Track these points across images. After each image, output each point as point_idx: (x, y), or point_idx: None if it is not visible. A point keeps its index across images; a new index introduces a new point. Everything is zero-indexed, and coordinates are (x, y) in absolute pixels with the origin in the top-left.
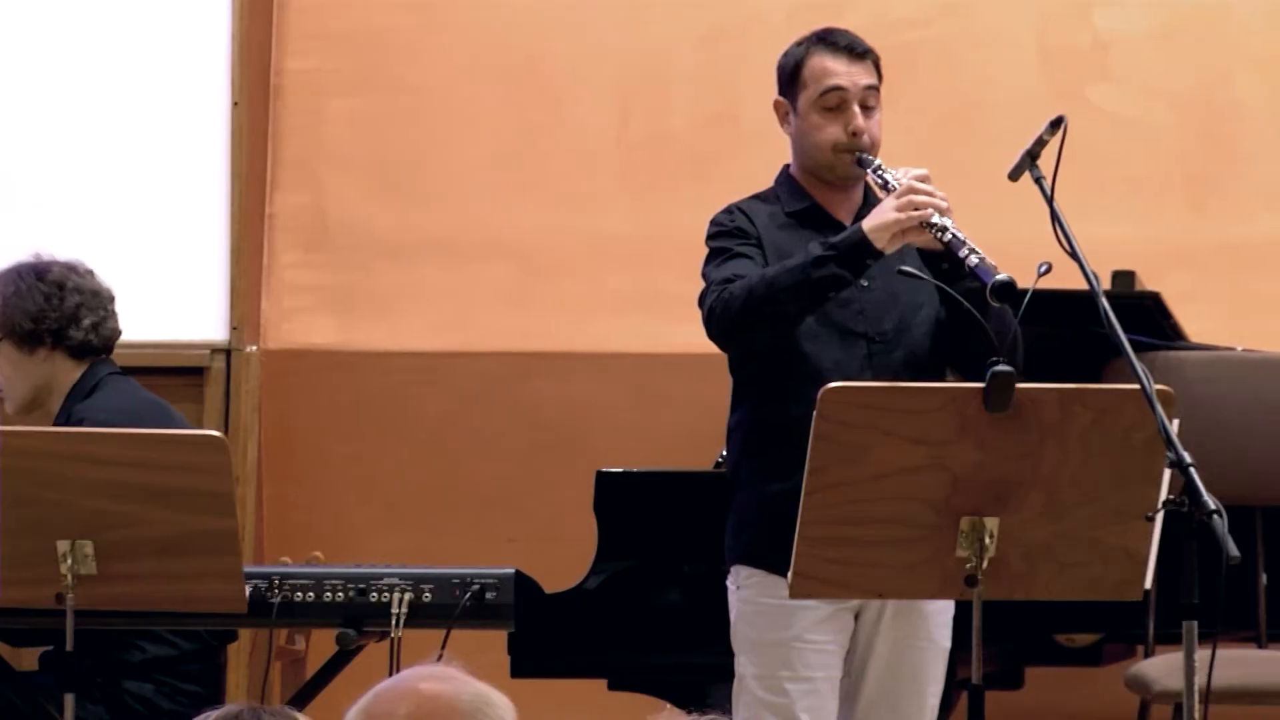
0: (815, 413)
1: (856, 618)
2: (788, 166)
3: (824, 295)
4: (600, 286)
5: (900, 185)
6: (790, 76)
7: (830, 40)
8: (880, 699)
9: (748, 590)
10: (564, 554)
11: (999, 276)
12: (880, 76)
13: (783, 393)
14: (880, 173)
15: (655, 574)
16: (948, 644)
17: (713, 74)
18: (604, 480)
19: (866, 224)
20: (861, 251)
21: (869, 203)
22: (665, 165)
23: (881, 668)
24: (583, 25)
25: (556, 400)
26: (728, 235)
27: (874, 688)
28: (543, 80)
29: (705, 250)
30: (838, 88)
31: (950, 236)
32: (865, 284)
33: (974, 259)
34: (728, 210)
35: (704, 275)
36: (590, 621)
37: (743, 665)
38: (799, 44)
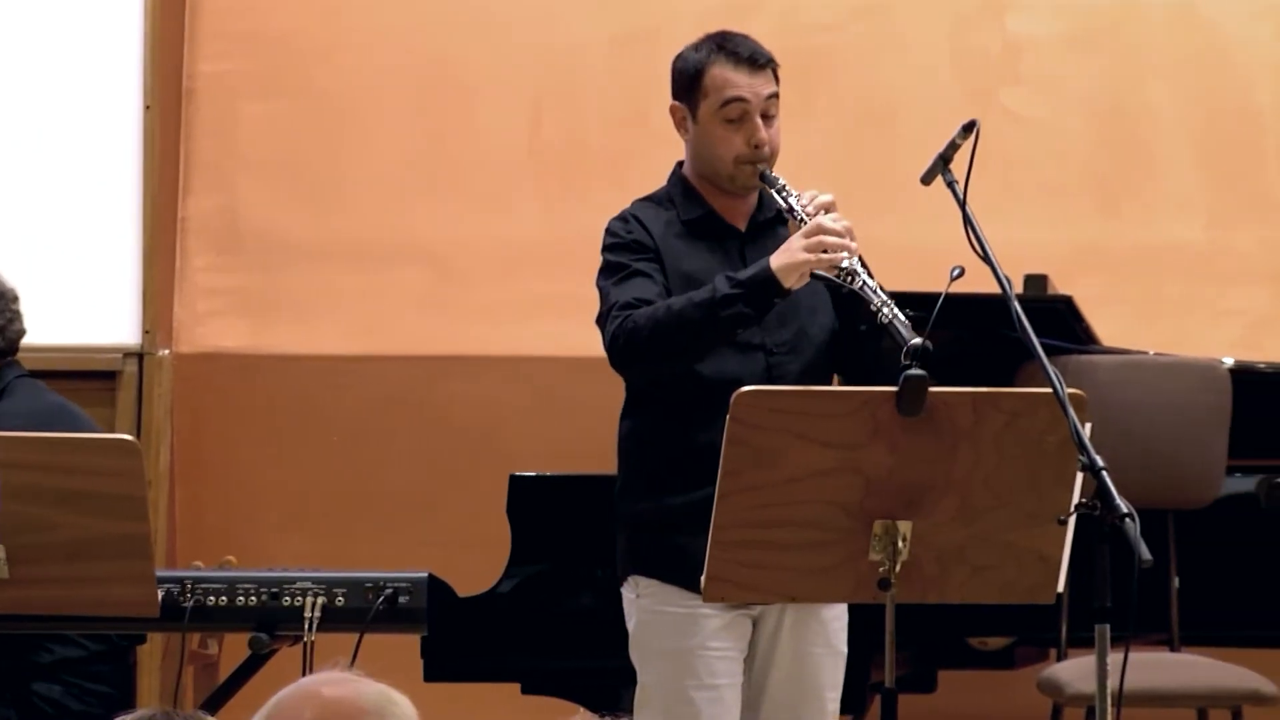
0: (728, 416)
1: (754, 624)
2: (681, 164)
3: (730, 333)
4: (513, 290)
5: (808, 214)
6: (689, 83)
7: (730, 49)
8: (781, 706)
9: (648, 600)
10: (477, 558)
11: (914, 341)
12: (778, 82)
13: (682, 406)
14: (785, 195)
15: (569, 578)
16: (845, 649)
17: (625, 77)
18: (517, 484)
19: (775, 262)
20: (769, 290)
21: (764, 206)
22: (578, 168)
23: (782, 675)
24: (495, 28)
25: (469, 404)
26: (625, 249)
27: (775, 695)
28: (455, 83)
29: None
30: (740, 99)
31: (861, 284)
32: None
33: (887, 314)
34: (623, 218)
35: (600, 289)
36: (504, 625)
37: (646, 675)
38: (697, 49)
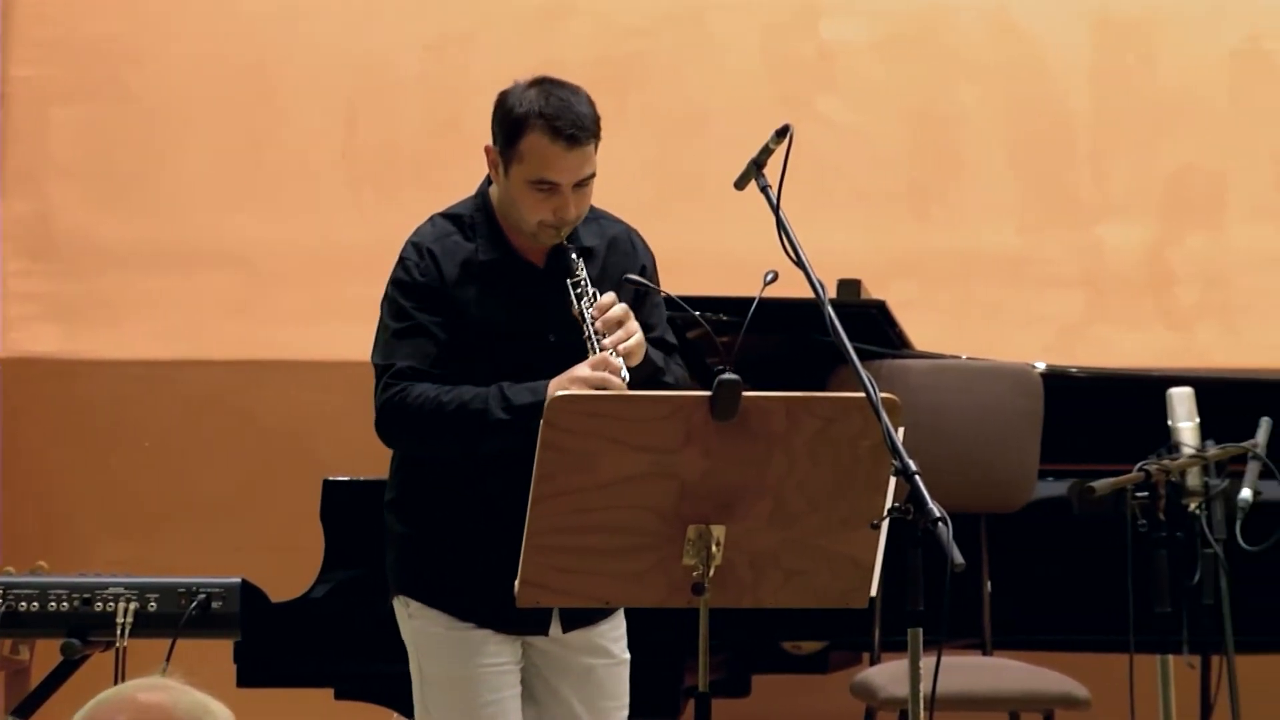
0: (542, 421)
1: (525, 646)
2: (490, 181)
3: (495, 448)
4: (326, 294)
5: (596, 331)
6: (507, 137)
7: (552, 119)
8: None
9: (420, 622)
10: (291, 563)
11: None
12: (599, 138)
13: None
14: (579, 293)
15: (382, 583)
16: (627, 655)
17: (439, 82)
18: (331, 489)
19: (554, 393)
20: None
21: (564, 245)
22: (391, 173)
23: (563, 694)
24: (308, 33)
25: (283, 408)
26: (413, 292)
27: (558, 714)
28: (268, 88)
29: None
30: (553, 182)
31: None
32: (552, 339)
33: None
34: (419, 251)
35: (380, 324)
36: (317, 631)
37: (427, 696)
38: (521, 101)
